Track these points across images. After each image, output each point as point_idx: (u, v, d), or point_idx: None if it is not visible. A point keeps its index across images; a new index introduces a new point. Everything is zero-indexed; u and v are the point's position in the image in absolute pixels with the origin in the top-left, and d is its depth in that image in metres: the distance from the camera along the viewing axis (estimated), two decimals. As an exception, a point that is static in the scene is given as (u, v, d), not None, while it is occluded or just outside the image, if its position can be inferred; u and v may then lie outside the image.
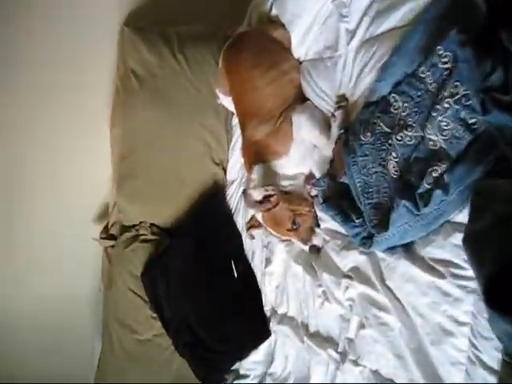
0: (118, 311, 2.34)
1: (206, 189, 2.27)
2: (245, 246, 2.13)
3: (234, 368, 2.14)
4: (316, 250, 1.73)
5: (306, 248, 1.74)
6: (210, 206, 2.25)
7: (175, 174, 2.27)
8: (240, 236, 2.18)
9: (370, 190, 1.53)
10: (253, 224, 1.95)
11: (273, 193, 1.73)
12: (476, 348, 1.26)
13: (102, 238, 2.52)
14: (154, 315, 2.26)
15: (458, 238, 1.32)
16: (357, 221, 1.55)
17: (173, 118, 2.26)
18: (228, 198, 2.26)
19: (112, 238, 2.51)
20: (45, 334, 2.49)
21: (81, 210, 2.53)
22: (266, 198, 1.74)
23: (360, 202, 1.55)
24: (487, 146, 1.25)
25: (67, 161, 2.43)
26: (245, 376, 2.10)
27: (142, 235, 2.35)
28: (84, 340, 2.61)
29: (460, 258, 1.31)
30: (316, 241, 1.72)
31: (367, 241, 1.52)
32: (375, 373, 1.51)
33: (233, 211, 2.22)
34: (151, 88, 2.29)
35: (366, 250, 1.53)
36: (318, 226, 1.77)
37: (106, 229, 2.55)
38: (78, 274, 2.57)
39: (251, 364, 2.08)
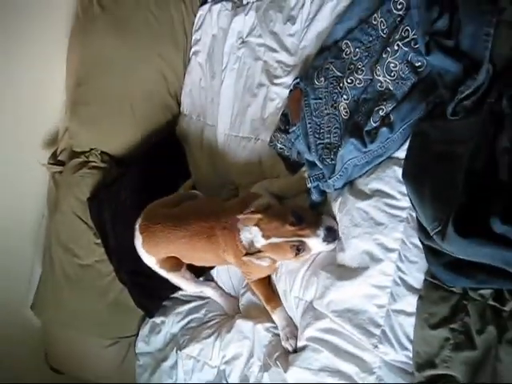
0: (62, 235, 2.33)
1: (159, 120, 2.30)
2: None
3: (174, 296, 2.18)
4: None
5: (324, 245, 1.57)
6: (162, 138, 2.28)
7: (130, 103, 2.27)
8: (190, 174, 2.22)
9: (322, 131, 1.61)
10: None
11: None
12: (402, 271, 1.38)
13: (50, 164, 2.50)
14: (98, 241, 2.26)
15: (395, 171, 1.43)
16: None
17: (132, 46, 2.25)
18: (180, 132, 2.29)
19: (60, 164, 2.49)
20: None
21: (30, 135, 2.49)
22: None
23: (309, 146, 1.62)
24: (429, 88, 1.37)
25: (19, 85, 2.35)
26: (185, 301, 2.15)
27: (91, 162, 2.35)
28: (23, 265, 2.58)
29: (395, 189, 1.42)
30: (328, 221, 1.57)
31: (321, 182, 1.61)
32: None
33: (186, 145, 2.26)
34: (112, 15, 2.28)
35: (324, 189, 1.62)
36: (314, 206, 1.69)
37: (54, 155, 2.53)
38: (23, 199, 2.51)
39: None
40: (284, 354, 1.70)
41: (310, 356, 1.56)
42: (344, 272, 1.51)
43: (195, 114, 2.25)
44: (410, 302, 1.37)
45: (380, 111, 1.45)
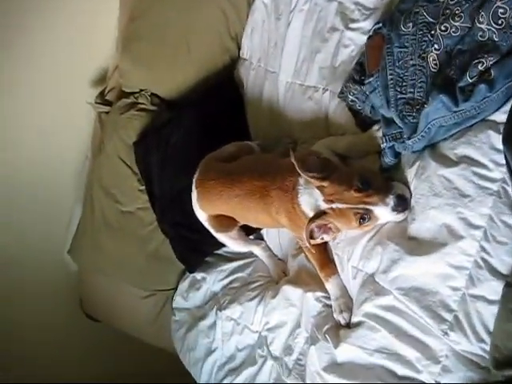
0: (104, 178, 2.25)
1: (217, 63, 2.14)
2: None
3: (217, 252, 2.06)
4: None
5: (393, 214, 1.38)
6: (219, 83, 2.11)
7: (186, 42, 2.12)
8: (246, 123, 2.06)
9: (405, 84, 1.40)
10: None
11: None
12: (486, 252, 1.20)
13: (96, 103, 2.42)
14: (142, 188, 2.16)
15: (490, 136, 1.22)
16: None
17: (193, -21, 2.06)
18: (238, 77, 2.12)
19: (108, 104, 2.41)
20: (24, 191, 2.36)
21: (79, 71, 2.41)
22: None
23: (388, 100, 1.42)
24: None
25: (69, 22, 2.27)
26: (229, 259, 2.02)
27: (140, 103, 2.22)
28: (63, 207, 2.55)
29: (488, 157, 1.22)
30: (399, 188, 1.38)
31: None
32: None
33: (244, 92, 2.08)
34: None
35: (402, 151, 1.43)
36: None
37: (102, 94, 2.45)
38: (68, 138, 2.48)
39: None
40: (335, 327, 1.55)
41: (365, 334, 1.40)
42: (416, 246, 1.32)
43: (256, 58, 2.06)
44: (494, 289, 1.18)
45: (479, 65, 1.23)
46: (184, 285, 2.10)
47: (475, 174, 1.24)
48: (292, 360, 1.62)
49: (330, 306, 1.61)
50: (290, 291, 1.71)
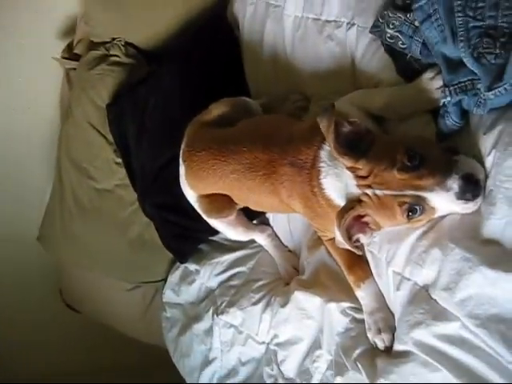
0: (73, 150, 1.95)
1: (206, 1, 1.80)
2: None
3: (212, 239, 1.77)
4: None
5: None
6: (207, 24, 1.76)
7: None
8: (244, 78, 1.71)
9: (480, 5, 0.94)
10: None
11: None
12: None
13: (63, 58, 2.08)
14: (119, 160, 1.87)
15: None
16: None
17: None
18: (232, 15, 1.74)
19: (77, 58, 2.06)
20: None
21: (43, 23, 2.09)
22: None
23: (454, 32, 0.96)
24: None
25: None
26: (228, 248, 1.73)
27: (113, 56, 1.89)
28: (35, 186, 2.30)
29: None
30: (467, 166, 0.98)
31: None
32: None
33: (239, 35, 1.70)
34: None
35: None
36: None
37: (69, 47, 2.10)
38: (35, 101, 2.20)
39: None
40: (370, 352, 1.17)
41: (416, 372, 1.01)
42: (498, 254, 0.91)
43: None
44: None
45: None
46: (174, 277, 1.84)
47: None
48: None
49: (362, 322, 1.23)
50: (304, 299, 1.36)
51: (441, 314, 0.98)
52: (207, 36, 1.74)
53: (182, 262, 1.80)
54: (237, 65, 1.72)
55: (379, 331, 1.16)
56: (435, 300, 1.00)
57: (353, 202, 1.05)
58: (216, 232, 1.69)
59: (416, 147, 0.98)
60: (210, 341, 1.63)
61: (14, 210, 2.23)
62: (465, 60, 0.93)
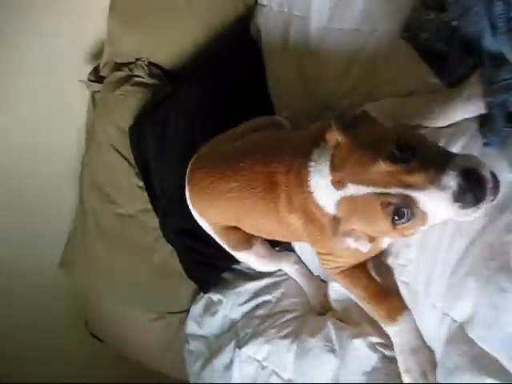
0: (97, 175, 1.92)
1: (227, 14, 1.76)
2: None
3: (236, 267, 1.71)
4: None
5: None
6: (231, 40, 1.72)
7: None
8: (268, 94, 1.64)
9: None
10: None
11: None
12: None
13: (90, 81, 2.07)
14: (141, 184, 1.82)
15: None
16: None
17: None
18: (255, 30, 1.70)
19: (102, 80, 2.04)
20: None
21: (71, 48, 2.08)
22: None
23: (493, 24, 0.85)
24: None
25: None
26: (251, 277, 1.65)
27: (136, 76, 1.86)
28: (59, 212, 2.20)
29: None
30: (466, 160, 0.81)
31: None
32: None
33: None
34: None
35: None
36: None
37: (96, 70, 2.09)
38: (63, 127, 2.15)
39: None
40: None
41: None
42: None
43: (277, 2, 1.62)
44: None
45: None
46: (197, 307, 1.77)
47: None
48: None
49: (392, 361, 1.08)
50: (334, 331, 1.24)
51: (482, 358, 0.83)
52: (229, 53, 1.70)
53: (204, 292, 1.73)
54: (260, 81, 1.67)
55: (424, 375, 1.00)
56: (474, 341, 0.85)
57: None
58: (238, 260, 1.58)
59: (409, 138, 0.84)
60: (230, 375, 1.53)
61: (37, 237, 2.16)
62: (507, 54, 0.81)
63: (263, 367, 1.43)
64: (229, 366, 1.53)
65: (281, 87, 1.61)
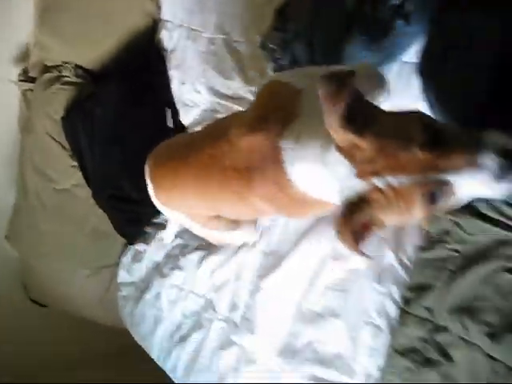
0: (36, 158, 2.18)
1: (136, 27, 2.06)
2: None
3: (156, 221, 2.00)
4: None
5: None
6: (139, 49, 2.05)
7: (103, 8, 2.06)
8: (169, 86, 2.00)
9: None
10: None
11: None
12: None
13: (20, 81, 2.32)
14: (74, 164, 2.11)
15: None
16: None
17: None
18: (161, 40, 2.05)
19: (32, 81, 2.31)
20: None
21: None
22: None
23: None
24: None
25: None
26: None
27: (64, 77, 2.16)
28: None
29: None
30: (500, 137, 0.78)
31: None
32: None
33: (165, 56, 2.02)
34: None
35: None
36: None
37: (25, 71, 2.34)
38: None
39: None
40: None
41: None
42: None
43: (178, 18, 1.99)
44: None
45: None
46: (127, 258, 2.04)
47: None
48: (239, 316, 1.59)
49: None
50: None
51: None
52: (139, 58, 2.02)
53: (131, 244, 2.01)
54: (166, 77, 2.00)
55: None
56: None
57: (355, 203, 0.83)
58: (158, 214, 1.90)
59: (433, 122, 0.82)
60: (159, 303, 1.83)
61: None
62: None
63: (181, 289, 1.78)
64: (158, 295, 1.83)
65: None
